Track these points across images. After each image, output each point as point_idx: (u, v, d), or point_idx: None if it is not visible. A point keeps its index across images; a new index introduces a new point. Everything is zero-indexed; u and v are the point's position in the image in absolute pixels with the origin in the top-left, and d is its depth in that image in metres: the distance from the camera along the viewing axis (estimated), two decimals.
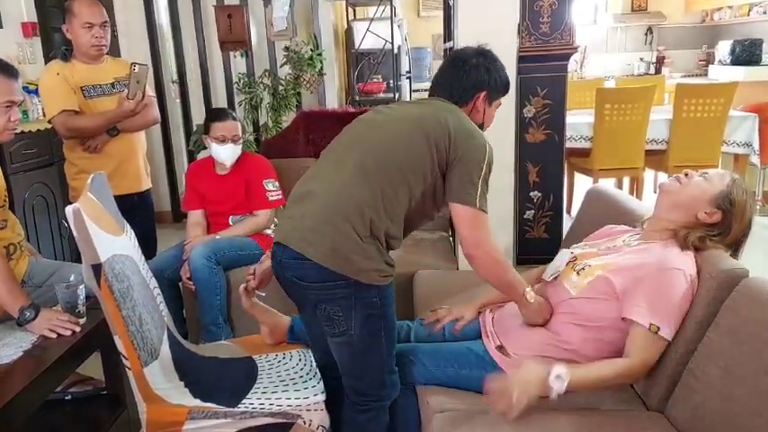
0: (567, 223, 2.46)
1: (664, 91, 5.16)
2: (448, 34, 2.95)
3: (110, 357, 1.81)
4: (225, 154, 2.48)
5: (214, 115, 2.55)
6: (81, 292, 1.67)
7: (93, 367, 1.86)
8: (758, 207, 4.04)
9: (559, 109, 2.38)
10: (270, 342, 1.82)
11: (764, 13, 5.96)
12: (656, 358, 1.42)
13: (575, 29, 2.32)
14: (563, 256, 1.66)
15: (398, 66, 5.03)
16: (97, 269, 1.37)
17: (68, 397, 1.89)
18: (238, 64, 4.68)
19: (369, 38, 4.72)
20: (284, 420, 1.55)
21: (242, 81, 4.46)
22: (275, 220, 2.65)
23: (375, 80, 5.08)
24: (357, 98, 4.94)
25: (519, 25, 2.30)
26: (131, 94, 2.46)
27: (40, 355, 1.54)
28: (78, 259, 1.47)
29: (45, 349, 1.57)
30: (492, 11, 2.23)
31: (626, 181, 4.51)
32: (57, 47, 3.63)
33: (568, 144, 3.55)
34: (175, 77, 4.73)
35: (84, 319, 1.69)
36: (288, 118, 4.30)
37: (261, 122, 4.50)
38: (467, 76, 1.59)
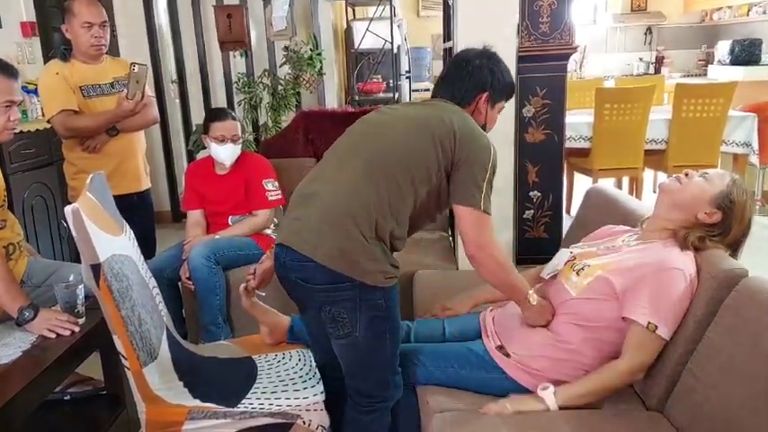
0: (566, 223, 2.46)
1: (663, 91, 5.16)
2: (447, 34, 2.95)
3: (109, 357, 1.81)
4: (224, 154, 2.48)
5: (213, 115, 2.55)
6: (80, 292, 1.67)
7: (92, 367, 1.86)
8: (758, 207, 4.04)
9: (559, 109, 2.38)
10: (269, 342, 1.82)
11: (764, 12, 5.96)
12: (654, 357, 1.42)
13: (574, 29, 2.32)
14: (562, 255, 1.66)
15: (398, 65, 5.03)
16: (96, 269, 1.37)
17: (68, 397, 1.89)
18: (238, 64, 4.68)
19: (368, 38, 4.72)
20: (284, 420, 1.55)
21: (241, 81, 4.46)
22: (275, 219, 2.65)
23: (375, 80, 5.08)
24: (357, 98, 4.94)
25: (518, 25, 2.30)
26: (131, 94, 2.46)
27: (39, 356, 1.54)
28: (77, 259, 1.47)
29: (44, 349, 1.57)
30: (492, 11, 2.23)
31: (625, 181, 4.51)
32: (56, 47, 3.63)
33: (568, 144, 3.54)
34: (175, 77, 4.72)
35: (84, 319, 1.68)
36: (287, 118, 4.29)
37: (260, 122, 4.50)
38: (469, 76, 1.59)
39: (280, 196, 2.57)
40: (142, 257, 1.63)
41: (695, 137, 3.85)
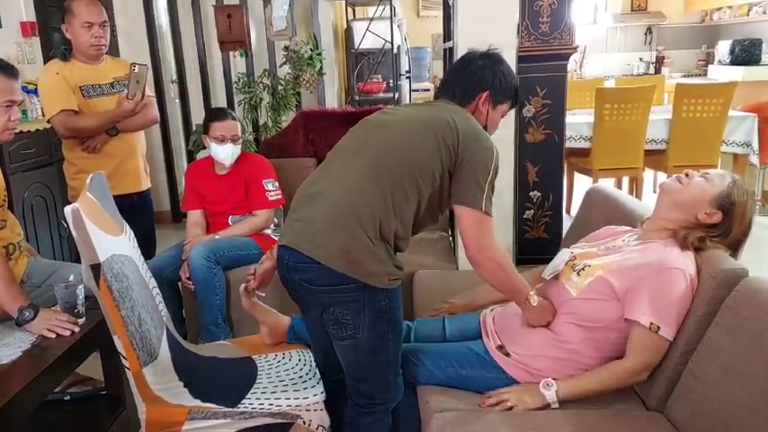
0: (566, 223, 2.46)
1: (663, 91, 5.17)
2: (447, 34, 2.95)
3: (109, 357, 1.81)
4: (224, 154, 2.48)
5: (213, 115, 2.55)
6: (80, 292, 1.67)
7: (92, 367, 1.86)
8: (758, 207, 4.04)
9: (559, 109, 2.38)
10: (269, 342, 1.82)
11: (764, 12, 5.96)
12: (658, 358, 1.42)
13: (574, 29, 2.32)
14: (562, 255, 1.66)
15: (398, 65, 5.03)
16: (96, 269, 1.37)
17: (68, 397, 1.89)
18: (238, 64, 4.68)
19: (368, 37, 4.72)
20: (284, 420, 1.55)
21: (241, 81, 4.46)
22: (275, 219, 2.65)
23: (375, 80, 5.08)
24: (357, 98, 4.94)
25: (519, 25, 2.30)
26: (131, 94, 2.46)
27: (39, 356, 1.54)
28: (77, 259, 1.47)
29: (44, 349, 1.57)
30: (492, 11, 2.23)
31: (625, 181, 4.51)
32: (56, 46, 3.63)
33: (568, 144, 3.54)
34: (175, 77, 4.73)
35: (84, 319, 1.68)
36: (287, 118, 4.29)
37: (260, 122, 4.49)
38: (471, 75, 1.59)
39: (280, 196, 2.57)
40: (142, 257, 1.63)
41: (695, 137, 3.85)
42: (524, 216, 2.49)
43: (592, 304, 1.49)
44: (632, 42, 7.26)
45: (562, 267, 1.61)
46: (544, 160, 2.43)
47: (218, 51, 4.51)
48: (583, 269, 1.54)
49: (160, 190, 4.53)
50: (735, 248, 1.50)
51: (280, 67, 4.55)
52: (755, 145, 3.90)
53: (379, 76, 5.14)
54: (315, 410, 1.57)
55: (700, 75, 6.74)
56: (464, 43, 2.24)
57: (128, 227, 1.62)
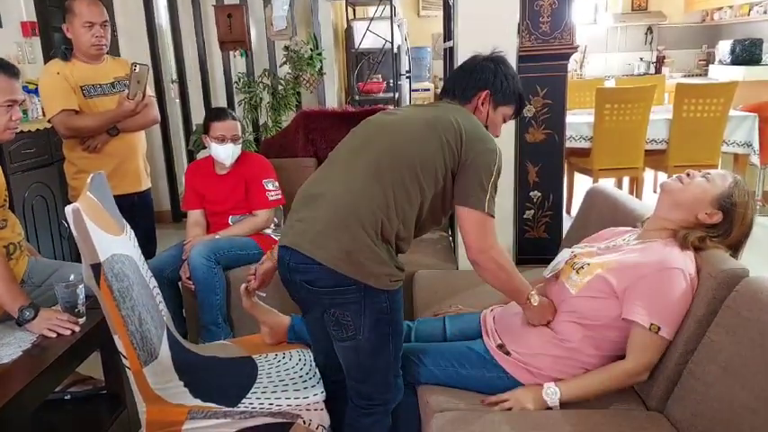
0: (566, 223, 2.46)
1: (664, 91, 5.16)
2: (447, 34, 2.95)
3: (109, 357, 1.81)
4: (224, 153, 2.48)
5: (214, 115, 2.55)
6: (80, 291, 1.67)
7: (92, 367, 1.86)
8: (758, 207, 4.04)
9: (559, 109, 2.38)
10: (270, 342, 1.82)
11: (764, 12, 5.96)
12: (658, 357, 1.42)
13: (575, 28, 2.32)
14: (563, 254, 1.66)
15: (398, 65, 5.02)
16: (96, 269, 1.37)
17: (68, 397, 1.89)
18: (238, 63, 4.68)
19: (368, 37, 4.72)
20: (284, 420, 1.55)
21: (242, 81, 4.46)
22: (275, 219, 2.65)
23: (375, 80, 5.08)
24: (357, 98, 4.94)
25: (519, 25, 2.30)
26: (132, 94, 2.46)
27: (39, 355, 1.54)
28: (78, 259, 1.47)
29: (44, 349, 1.57)
30: (492, 10, 2.23)
31: (625, 181, 4.51)
32: (56, 46, 3.63)
33: (568, 144, 3.55)
34: (175, 77, 4.73)
35: (84, 318, 1.69)
36: (287, 117, 4.29)
37: (260, 122, 4.49)
38: (471, 75, 1.60)
39: (280, 196, 2.57)
40: (143, 257, 1.63)
41: (696, 137, 3.85)
42: (524, 216, 2.49)
43: (591, 302, 1.49)
44: (633, 42, 7.26)
45: (562, 266, 1.62)
46: (544, 160, 2.43)
47: (219, 51, 4.51)
48: (582, 267, 1.54)
49: (160, 190, 4.53)
50: (735, 249, 1.50)
51: (280, 66, 4.55)
52: (756, 145, 3.90)
53: (380, 75, 5.14)
54: (315, 410, 1.57)
55: (700, 75, 6.74)
56: (464, 43, 2.25)
57: (128, 226, 1.62)
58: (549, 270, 1.65)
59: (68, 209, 1.35)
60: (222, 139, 2.46)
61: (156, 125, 2.95)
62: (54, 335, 1.61)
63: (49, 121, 2.53)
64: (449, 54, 2.89)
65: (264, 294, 1.78)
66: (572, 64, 5.22)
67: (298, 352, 1.77)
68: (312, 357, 1.74)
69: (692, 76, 6.69)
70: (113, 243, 1.45)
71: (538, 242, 2.50)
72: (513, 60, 2.26)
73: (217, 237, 2.45)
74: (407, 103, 5.26)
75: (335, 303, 1.42)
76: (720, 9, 6.69)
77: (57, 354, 1.54)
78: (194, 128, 4.50)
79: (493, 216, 1.47)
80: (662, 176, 4.17)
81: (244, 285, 1.73)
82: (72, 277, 1.74)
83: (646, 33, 7.22)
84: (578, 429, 1.35)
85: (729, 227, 1.48)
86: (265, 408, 1.55)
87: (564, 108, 2.40)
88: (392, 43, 4.61)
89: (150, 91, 2.63)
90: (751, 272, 1.35)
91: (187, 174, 2.68)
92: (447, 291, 2.10)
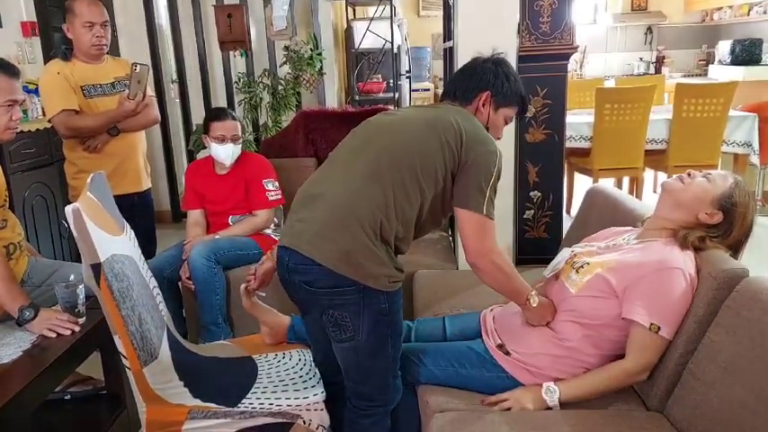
0: (566, 223, 2.46)
1: (663, 91, 5.16)
2: (447, 34, 2.95)
3: (109, 357, 1.81)
4: (224, 153, 2.48)
5: (214, 115, 2.55)
6: (80, 291, 1.67)
7: (92, 367, 1.86)
8: (758, 207, 4.03)
9: (559, 109, 2.38)
10: (270, 342, 1.82)
11: (764, 12, 5.96)
12: (658, 358, 1.42)
13: (575, 28, 2.32)
14: (563, 254, 1.66)
15: (398, 65, 5.02)
16: (96, 269, 1.37)
17: (68, 397, 1.89)
18: (238, 63, 4.68)
19: (368, 37, 4.72)
20: (284, 420, 1.55)
21: (242, 81, 4.46)
22: (275, 219, 2.65)
23: (375, 80, 5.08)
24: (357, 98, 4.94)
25: (519, 25, 2.30)
26: (132, 94, 2.46)
27: (39, 355, 1.54)
28: (78, 259, 1.47)
29: (44, 349, 1.57)
30: (492, 11, 2.23)
31: (625, 181, 4.51)
32: (57, 46, 3.63)
33: (568, 144, 3.55)
34: (175, 77, 4.73)
35: (84, 318, 1.69)
36: (287, 117, 4.29)
37: (260, 122, 4.49)
38: (472, 77, 1.60)
39: (280, 196, 2.57)
40: (143, 257, 1.63)
41: (696, 137, 3.85)
42: (524, 216, 2.49)
43: (590, 302, 1.49)
44: (632, 42, 7.26)
45: (562, 266, 1.62)
46: (544, 160, 2.43)
47: (219, 51, 4.51)
48: (582, 267, 1.54)
49: (160, 190, 4.53)
50: (735, 249, 1.50)
51: (280, 66, 4.55)
52: (756, 145, 3.91)
53: (380, 75, 5.14)
54: (315, 410, 1.57)
55: (700, 75, 6.74)
56: (464, 43, 2.25)
57: (128, 226, 1.62)
58: (549, 270, 1.65)
59: (68, 209, 1.35)
60: (222, 139, 2.46)
61: (156, 125, 2.95)
62: (54, 335, 1.61)
63: (49, 121, 2.53)
64: (449, 54, 2.89)
65: (264, 294, 1.79)
66: (572, 64, 5.23)
67: (298, 352, 1.77)
68: (312, 357, 1.74)
69: (692, 76, 6.69)
70: (113, 243, 1.45)
71: (538, 242, 2.51)
72: (513, 60, 2.26)
73: (217, 237, 2.45)
74: (407, 103, 5.26)
75: (334, 304, 1.42)
76: (720, 9, 6.69)
77: (57, 354, 1.54)
78: (194, 128, 4.50)
79: (492, 219, 1.46)
80: (662, 176, 4.17)
81: (244, 285, 1.73)
82: (72, 277, 1.74)
83: (645, 33, 7.22)
84: (578, 429, 1.35)
85: (730, 227, 1.48)
86: (265, 408, 1.55)
87: (564, 108, 2.40)
88: (392, 43, 4.61)
89: (150, 91, 2.63)
90: (751, 272, 1.35)
91: (187, 174, 2.68)
92: (447, 291, 2.10)
